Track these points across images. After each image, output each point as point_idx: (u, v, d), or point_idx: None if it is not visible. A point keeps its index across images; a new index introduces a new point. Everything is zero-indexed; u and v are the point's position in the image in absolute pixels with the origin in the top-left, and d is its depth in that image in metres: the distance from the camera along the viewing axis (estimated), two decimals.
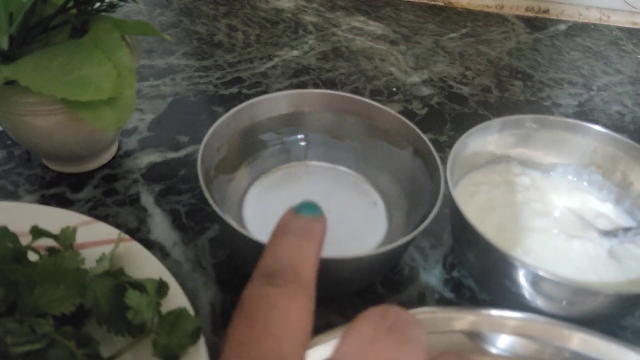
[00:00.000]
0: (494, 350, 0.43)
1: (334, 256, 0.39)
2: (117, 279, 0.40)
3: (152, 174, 0.59)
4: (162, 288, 0.41)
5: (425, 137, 0.50)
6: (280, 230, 0.26)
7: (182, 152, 0.62)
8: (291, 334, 0.22)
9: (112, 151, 0.60)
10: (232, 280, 0.49)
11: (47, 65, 0.45)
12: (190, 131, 0.65)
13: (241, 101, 0.64)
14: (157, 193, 0.57)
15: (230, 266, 0.50)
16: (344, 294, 0.48)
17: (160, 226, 0.53)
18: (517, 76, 0.82)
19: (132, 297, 0.38)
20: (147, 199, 0.56)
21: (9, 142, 0.60)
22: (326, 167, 0.56)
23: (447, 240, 0.54)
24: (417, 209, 0.49)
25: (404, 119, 0.51)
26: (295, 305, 0.23)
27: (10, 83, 0.47)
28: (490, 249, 0.41)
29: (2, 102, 0.48)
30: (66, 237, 0.41)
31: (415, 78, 0.78)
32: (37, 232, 0.41)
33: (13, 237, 0.40)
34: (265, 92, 0.72)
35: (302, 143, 0.55)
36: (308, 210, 0.27)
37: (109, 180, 0.58)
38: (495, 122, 0.53)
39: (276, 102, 0.52)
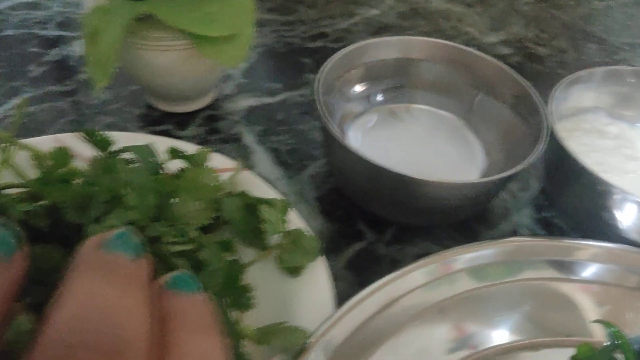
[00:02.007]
0: (580, 278, 0.45)
1: (440, 180, 0.42)
2: (245, 197, 0.44)
3: (251, 116, 0.62)
4: (285, 207, 0.44)
5: (525, 83, 0.52)
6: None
7: (278, 98, 0.65)
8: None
9: (212, 94, 0.64)
10: (336, 212, 0.52)
11: (179, 2, 0.49)
12: (282, 79, 0.68)
13: (327, 54, 0.67)
14: (258, 133, 0.60)
15: (334, 199, 0.53)
16: (442, 225, 0.51)
17: (264, 162, 0.57)
18: (592, 40, 0.83)
19: (267, 211, 0.42)
20: (249, 138, 0.59)
21: (116, 84, 0.64)
22: (427, 110, 0.58)
23: (534, 184, 0.57)
24: (514, 152, 0.51)
25: (504, 66, 0.54)
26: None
27: (140, 19, 0.50)
28: (593, 181, 0.43)
29: (131, 37, 0.51)
30: (201, 158, 0.45)
31: (493, 38, 0.80)
32: (174, 153, 0.44)
33: (154, 154, 0.43)
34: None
35: (406, 87, 0.58)
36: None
37: (211, 120, 0.61)
38: (587, 72, 0.55)
39: (386, 46, 0.55)
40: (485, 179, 0.44)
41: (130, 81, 0.64)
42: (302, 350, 0.36)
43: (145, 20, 0.50)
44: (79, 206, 0.36)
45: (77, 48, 0.70)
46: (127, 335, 0.17)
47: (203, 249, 0.38)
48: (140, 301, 0.19)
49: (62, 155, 0.42)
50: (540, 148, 0.45)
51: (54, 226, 0.36)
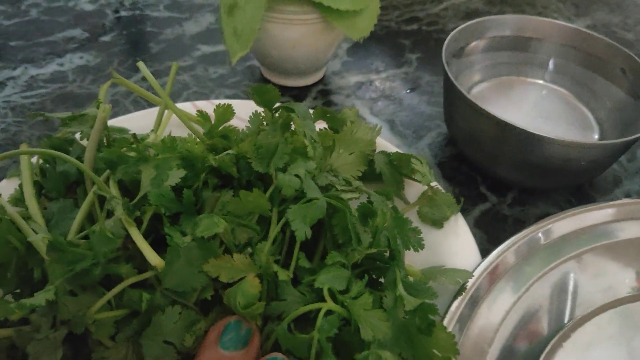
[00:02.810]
0: None
1: (570, 139, 0.45)
2: (392, 154, 0.47)
3: (361, 91, 0.66)
4: (427, 162, 0.47)
5: (636, 58, 0.55)
6: None
7: (383, 75, 0.69)
8: None
9: (323, 71, 0.67)
10: (457, 177, 0.55)
11: None
12: (385, 58, 0.71)
13: (424, 36, 0.71)
14: (370, 106, 0.63)
15: (454, 166, 0.56)
16: (560, 189, 0.54)
17: (382, 133, 0.60)
18: None
19: (417, 164, 0.45)
20: (363, 110, 0.63)
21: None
22: (542, 85, 0.61)
23: None
24: (626, 125, 0.54)
25: (615, 43, 0.56)
26: None
27: None
28: None
29: (268, 11, 0.55)
30: (349, 116, 0.48)
31: (579, 23, 0.82)
32: (322, 112, 0.48)
33: (308, 111, 0.46)
34: (442, 29, 0.78)
35: (519, 62, 0.61)
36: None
37: (324, 94, 0.65)
38: None
39: (500, 23, 0.58)
40: (611, 141, 0.47)
41: (247, 57, 0.68)
42: (464, 287, 0.39)
43: None
44: (262, 157, 0.39)
45: (188, 28, 0.74)
46: None
47: (369, 196, 0.41)
48: None
49: (226, 111, 0.46)
50: None
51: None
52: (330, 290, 0.32)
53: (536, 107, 0.59)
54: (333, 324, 0.31)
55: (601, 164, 0.50)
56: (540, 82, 0.61)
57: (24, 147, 0.39)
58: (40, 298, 0.31)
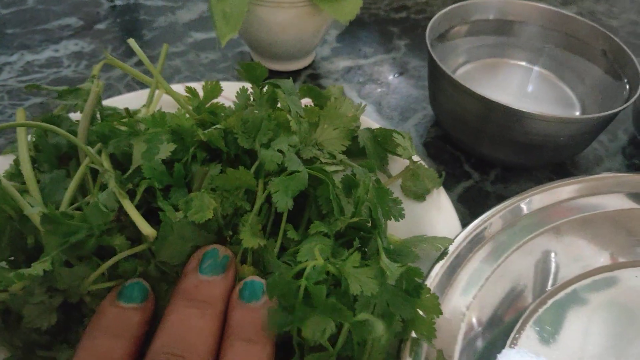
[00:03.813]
0: None
1: (552, 114, 0.46)
2: (376, 129, 0.48)
3: (349, 75, 0.67)
4: (409, 137, 0.48)
5: (617, 39, 0.56)
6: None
7: (371, 60, 0.70)
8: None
9: (312, 55, 0.69)
10: (442, 156, 0.57)
11: None
12: (373, 44, 0.73)
13: (412, 24, 0.72)
14: (358, 89, 0.65)
15: (439, 145, 0.58)
16: (542, 167, 0.55)
17: (369, 114, 0.62)
18: None
19: (399, 138, 0.46)
20: (351, 94, 0.64)
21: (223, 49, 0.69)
22: (524, 67, 0.63)
23: (622, 136, 0.61)
24: (607, 103, 0.55)
25: (596, 25, 0.58)
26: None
27: None
28: None
29: None
30: (334, 93, 0.49)
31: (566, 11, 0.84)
32: (309, 90, 0.49)
33: (294, 88, 0.48)
34: (430, 17, 0.79)
35: (502, 44, 0.63)
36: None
37: (314, 78, 0.66)
38: None
39: (484, 7, 0.60)
40: (589, 116, 0.48)
41: (237, 43, 0.70)
42: (445, 253, 0.41)
43: None
44: (248, 132, 0.40)
45: (180, 16, 0.75)
46: (194, 348, 0.28)
47: (351, 168, 0.43)
48: (209, 319, 0.30)
49: (214, 88, 0.47)
50: (637, 95, 0.49)
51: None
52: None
53: (520, 88, 0.60)
54: (320, 272, 0.32)
55: (581, 140, 0.51)
56: (523, 63, 0.63)
57: (20, 113, 0.40)
58: (37, 268, 0.32)
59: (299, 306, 0.31)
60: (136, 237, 0.35)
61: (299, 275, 0.32)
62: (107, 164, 0.38)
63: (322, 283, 0.32)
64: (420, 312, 0.34)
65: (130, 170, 0.37)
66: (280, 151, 0.38)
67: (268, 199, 0.37)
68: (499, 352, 0.38)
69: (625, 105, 0.48)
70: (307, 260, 0.33)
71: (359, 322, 0.31)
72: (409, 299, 0.34)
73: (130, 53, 0.67)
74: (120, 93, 0.60)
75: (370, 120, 0.52)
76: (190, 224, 0.34)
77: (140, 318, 0.31)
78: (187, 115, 0.41)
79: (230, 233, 0.36)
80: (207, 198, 0.35)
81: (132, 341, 0.30)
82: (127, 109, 0.44)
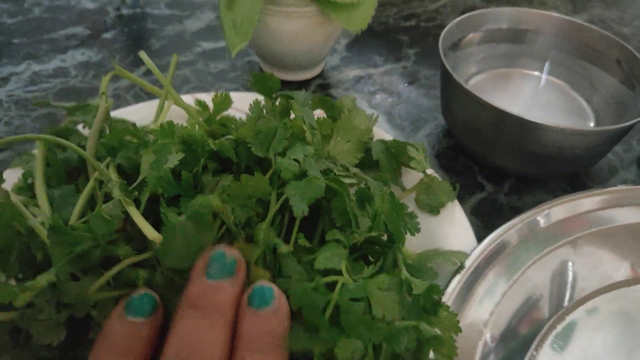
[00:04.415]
0: None
1: (566, 126, 0.46)
2: (389, 141, 0.48)
3: (359, 84, 0.67)
4: (424, 150, 0.48)
5: (631, 48, 0.55)
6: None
7: (381, 69, 0.69)
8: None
9: (322, 65, 0.68)
10: (455, 167, 0.56)
11: None
12: (383, 53, 0.72)
13: (422, 32, 0.72)
14: (369, 99, 0.64)
15: (451, 156, 0.57)
16: (556, 177, 0.54)
17: (380, 124, 0.61)
18: None
19: (413, 151, 0.45)
20: (362, 103, 0.64)
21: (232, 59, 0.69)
22: (536, 76, 0.62)
23: (637, 146, 0.60)
24: (622, 114, 0.54)
25: (610, 34, 0.57)
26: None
27: None
28: None
29: (267, 4, 0.56)
30: (347, 104, 0.48)
31: (577, 19, 0.83)
32: (318, 101, 0.48)
33: (308, 99, 0.47)
34: (441, 25, 0.78)
35: (515, 54, 0.62)
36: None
37: (323, 87, 0.66)
38: None
39: (497, 16, 0.59)
40: (604, 128, 0.47)
41: (246, 52, 0.69)
42: (462, 267, 0.40)
43: None
44: (262, 142, 0.39)
45: (188, 25, 0.75)
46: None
47: (366, 182, 0.42)
48: (219, 329, 0.28)
49: (224, 100, 0.47)
50: None
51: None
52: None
53: (533, 98, 0.59)
54: (357, 290, 0.31)
55: (596, 152, 0.50)
56: (537, 73, 0.62)
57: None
58: (41, 280, 0.31)
59: (324, 323, 0.30)
60: (142, 247, 0.34)
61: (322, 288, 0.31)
62: (113, 175, 0.37)
63: (357, 300, 0.31)
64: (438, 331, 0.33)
65: (137, 181, 0.36)
66: (296, 160, 0.37)
67: (281, 209, 0.36)
68: None
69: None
70: (325, 269, 0.32)
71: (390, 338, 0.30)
72: (426, 318, 0.33)
73: (138, 62, 0.66)
74: (128, 103, 0.60)
75: (382, 132, 0.51)
76: (192, 223, 0.33)
77: (148, 332, 0.29)
78: (197, 126, 0.40)
79: (244, 234, 0.35)
80: (211, 197, 0.34)
81: (141, 358, 0.29)
82: (134, 125, 0.43)
